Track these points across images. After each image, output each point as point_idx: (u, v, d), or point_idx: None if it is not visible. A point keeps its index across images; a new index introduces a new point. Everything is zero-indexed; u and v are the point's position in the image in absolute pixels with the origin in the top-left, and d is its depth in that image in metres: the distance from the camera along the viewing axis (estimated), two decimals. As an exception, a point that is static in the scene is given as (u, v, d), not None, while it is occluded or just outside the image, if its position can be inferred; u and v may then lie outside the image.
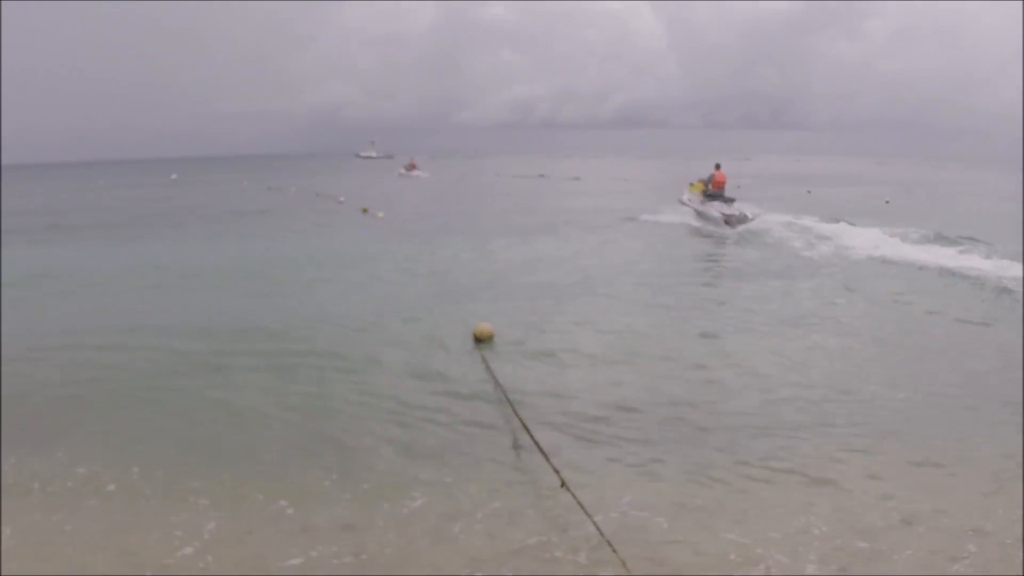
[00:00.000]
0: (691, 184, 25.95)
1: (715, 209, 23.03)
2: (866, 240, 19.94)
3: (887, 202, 35.84)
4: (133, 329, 10.82)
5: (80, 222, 28.39)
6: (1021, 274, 14.36)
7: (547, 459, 6.05)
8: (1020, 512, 5.42)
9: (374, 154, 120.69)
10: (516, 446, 6.66)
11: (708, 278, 15.48)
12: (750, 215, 22.87)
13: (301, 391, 8.12)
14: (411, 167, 70.34)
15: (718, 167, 24.70)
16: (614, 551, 4.77)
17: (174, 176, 75.22)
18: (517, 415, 7.06)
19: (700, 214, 23.98)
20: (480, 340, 9.85)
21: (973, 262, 16.23)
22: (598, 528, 5.03)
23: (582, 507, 5.30)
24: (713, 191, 24.14)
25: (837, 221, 24.34)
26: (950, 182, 61.56)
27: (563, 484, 5.63)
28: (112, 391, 8.17)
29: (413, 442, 6.76)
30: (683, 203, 25.71)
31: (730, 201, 23.56)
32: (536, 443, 6.36)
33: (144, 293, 13.77)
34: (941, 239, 19.67)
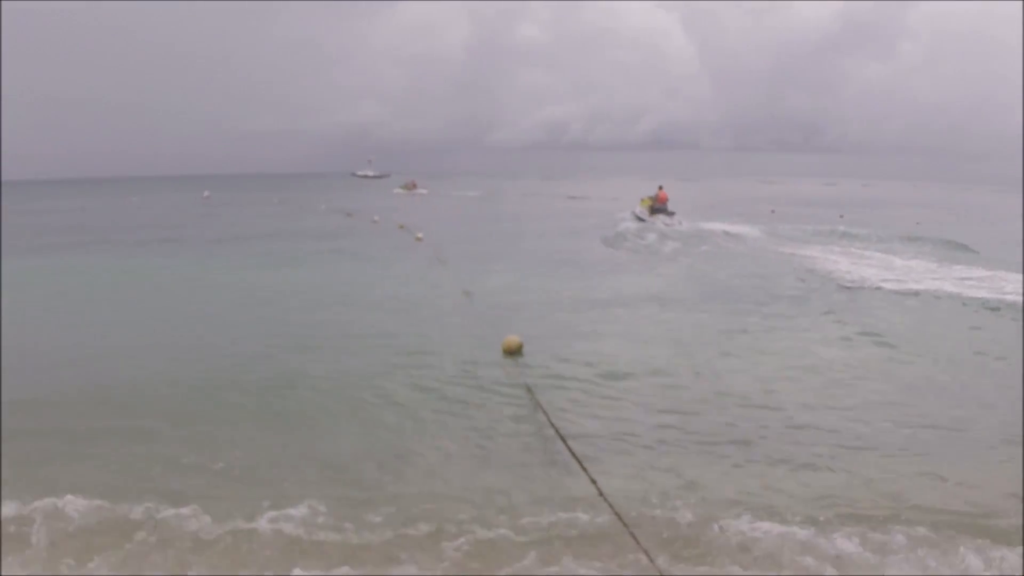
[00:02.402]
0: (641, 200, 35.54)
1: (658, 220, 32.17)
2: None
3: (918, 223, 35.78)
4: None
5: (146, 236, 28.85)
6: None
7: (583, 467, 6.09)
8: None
9: (371, 173, 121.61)
10: (552, 456, 6.71)
11: (749, 303, 15.27)
12: (677, 222, 31.75)
13: (359, 400, 8.30)
14: (411, 187, 71.96)
15: (661, 188, 34.52)
16: (651, 560, 4.79)
17: (207, 193, 75.76)
18: (553, 426, 7.13)
19: (643, 220, 33.34)
20: (510, 353, 9.94)
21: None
22: (634, 536, 5.06)
23: (618, 516, 5.33)
24: (658, 206, 33.33)
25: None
26: (983, 205, 60.65)
27: (599, 492, 5.66)
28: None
29: (456, 452, 6.86)
30: (635, 214, 34.97)
31: (671, 214, 32.77)
32: (572, 452, 6.41)
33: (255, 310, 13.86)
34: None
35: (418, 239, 25.96)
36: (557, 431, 6.96)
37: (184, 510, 5.54)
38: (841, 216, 40.50)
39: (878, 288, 16.12)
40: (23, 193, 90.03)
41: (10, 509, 5.61)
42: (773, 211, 45.46)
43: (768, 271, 18.76)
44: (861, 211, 48.04)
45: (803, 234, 29.36)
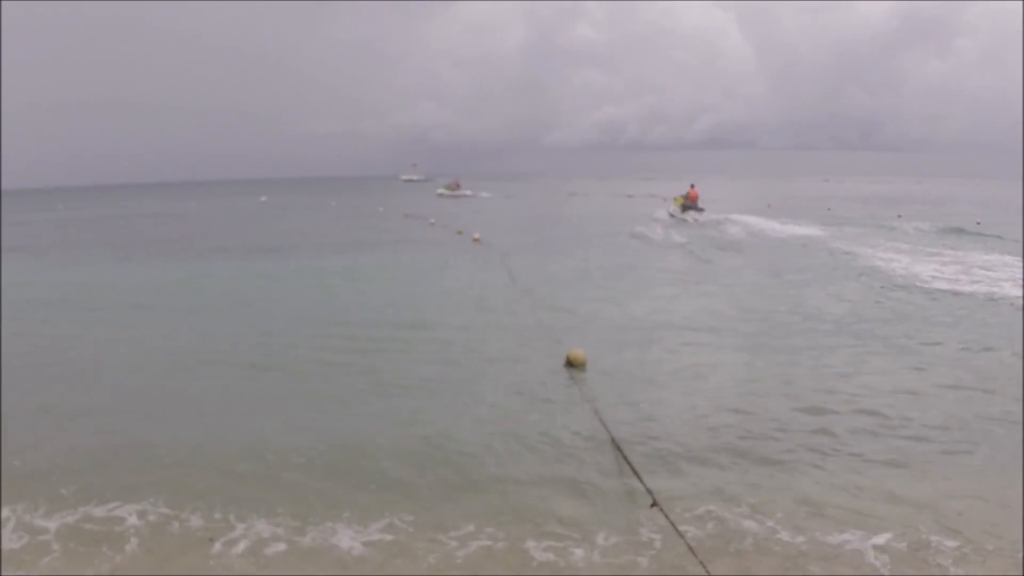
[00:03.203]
0: (675, 199, 39.22)
1: (689, 216, 35.87)
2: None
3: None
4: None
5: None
6: None
7: (639, 478, 6.25)
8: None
9: (415, 177, 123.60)
10: (609, 467, 6.88)
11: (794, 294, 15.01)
12: (703, 217, 35.58)
13: (412, 407, 8.72)
14: (455, 187, 73.02)
15: (692, 186, 38.15)
16: (705, 570, 4.91)
17: (263, 198, 77.69)
18: (611, 436, 7.30)
19: (677, 218, 36.41)
20: (573, 365, 10.13)
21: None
22: (689, 546, 5.19)
23: (673, 526, 5.48)
24: (689, 203, 36.91)
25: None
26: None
27: (654, 503, 5.81)
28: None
29: (509, 462, 7.11)
30: (670, 212, 38.23)
31: (700, 210, 36.46)
32: (629, 463, 6.58)
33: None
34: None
35: (475, 240, 27.47)
36: (616, 443, 7.14)
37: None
38: (899, 216, 38.99)
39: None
40: (87, 199, 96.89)
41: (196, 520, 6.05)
42: (829, 209, 45.62)
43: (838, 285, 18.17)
44: (919, 208, 47.35)
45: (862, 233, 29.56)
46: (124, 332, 13.08)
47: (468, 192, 72.39)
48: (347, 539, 5.63)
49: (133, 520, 5.95)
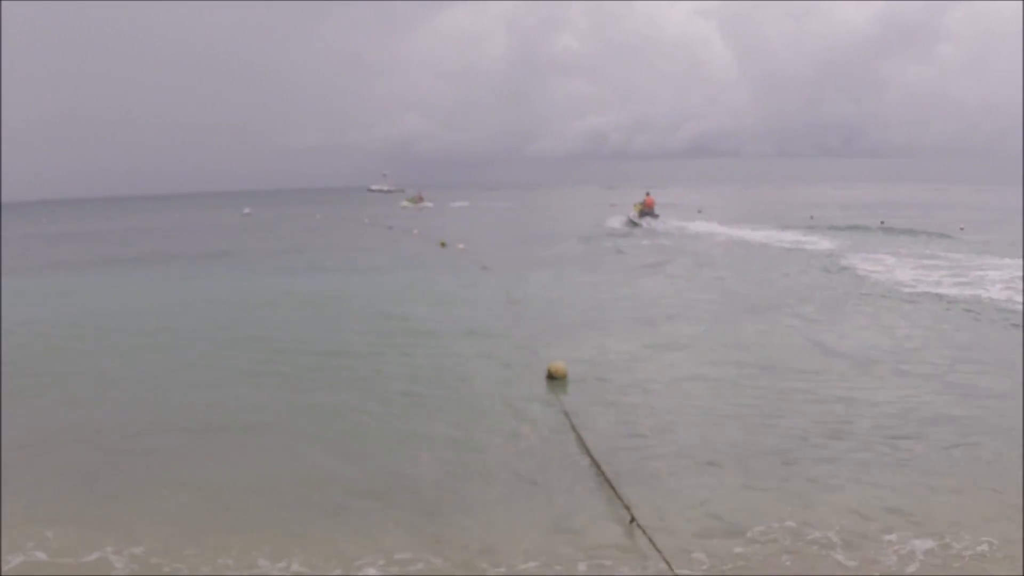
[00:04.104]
0: (634, 205, 43.36)
1: (644, 221, 40.04)
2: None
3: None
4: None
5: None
6: None
7: (617, 494, 6.18)
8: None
9: (386, 187, 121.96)
10: (586, 482, 6.80)
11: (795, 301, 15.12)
12: (667, 223, 39.83)
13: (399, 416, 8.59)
14: (418, 200, 74.39)
15: (648, 194, 42.86)
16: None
17: (247, 210, 77.49)
18: (587, 450, 7.23)
19: (635, 223, 40.43)
20: (554, 378, 10.06)
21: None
22: (668, 563, 5.12)
23: (652, 542, 5.40)
24: (646, 210, 41.10)
25: None
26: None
27: (632, 519, 5.74)
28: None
29: (488, 474, 7.01)
30: (629, 217, 42.27)
31: (656, 216, 40.82)
32: (606, 478, 6.51)
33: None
34: None
35: (460, 249, 28.29)
36: (592, 457, 7.07)
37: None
38: (882, 223, 39.81)
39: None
40: (68, 212, 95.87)
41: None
42: (812, 217, 46.74)
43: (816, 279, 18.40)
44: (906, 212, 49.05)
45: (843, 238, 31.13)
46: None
47: (430, 204, 73.71)
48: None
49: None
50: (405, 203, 74.86)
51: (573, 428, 8.04)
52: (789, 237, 32.29)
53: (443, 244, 30.78)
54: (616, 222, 43.15)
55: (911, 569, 5.17)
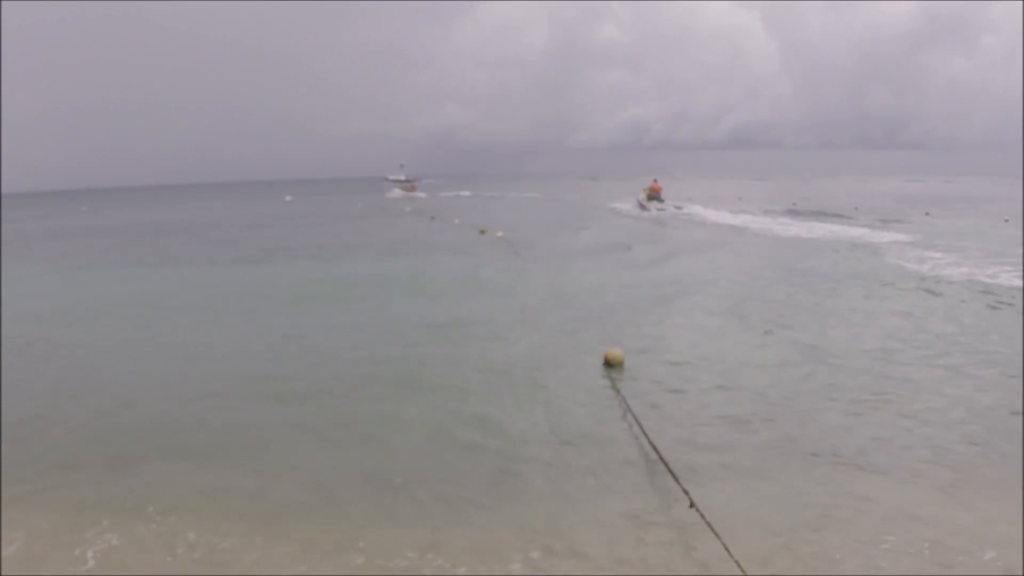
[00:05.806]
0: (643, 190, 47.00)
1: (652, 205, 44.24)
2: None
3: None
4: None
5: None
6: None
7: (676, 479, 6.38)
8: None
9: (402, 177, 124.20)
10: (647, 467, 7.01)
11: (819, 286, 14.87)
12: (671, 208, 44.07)
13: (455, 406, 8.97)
14: (411, 188, 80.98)
15: (655, 181, 47.15)
16: (742, 571, 5.02)
17: (288, 198, 79.66)
18: (646, 436, 7.44)
19: (644, 207, 44.70)
20: (611, 365, 10.26)
21: None
22: (726, 547, 5.30)
23: (710, 526, 5.58)
24: (653, 195, 45.32)
25: None
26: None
27: (692, 504, 5.93)
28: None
29: (553, 461, 7.25)
30: (638, 200, 46.58)
31: (662, 201, 44.82)
32: (665, 463, 6.71)
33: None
34: None
35: (499, 237, 29.67)
36: (651, 443, 7.28)
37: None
38: (927, 214, 39.76)
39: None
40: (111, 201, 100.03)
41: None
42: (856, 208, 46.88)
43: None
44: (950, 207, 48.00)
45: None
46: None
47: (423, 195, 78.50)
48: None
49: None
50: (398, 191, 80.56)
51: (634, 418, 8.22)
52: (855, 232, 31.09)
53: (482, 231, 32.68)
54: (628, 204, 48.30)
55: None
